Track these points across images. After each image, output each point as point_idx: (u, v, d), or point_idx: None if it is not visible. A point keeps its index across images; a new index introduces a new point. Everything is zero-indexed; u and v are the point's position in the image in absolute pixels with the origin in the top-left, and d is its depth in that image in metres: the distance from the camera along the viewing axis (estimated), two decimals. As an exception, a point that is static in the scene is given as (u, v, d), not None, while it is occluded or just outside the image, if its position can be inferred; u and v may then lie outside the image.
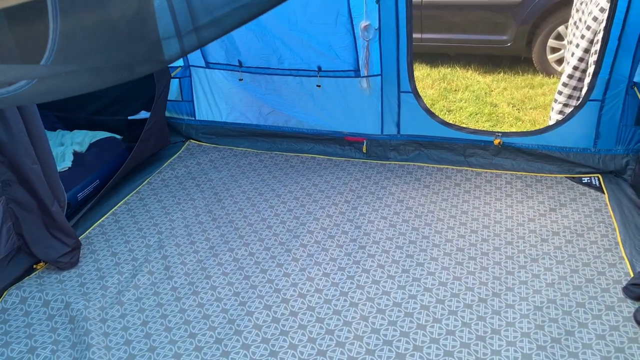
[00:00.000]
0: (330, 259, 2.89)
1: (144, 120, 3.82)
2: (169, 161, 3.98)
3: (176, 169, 3.88)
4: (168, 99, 4.04)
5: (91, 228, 3.26)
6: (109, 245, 3.10)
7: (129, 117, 4.07)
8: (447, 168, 3.68)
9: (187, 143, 4.23)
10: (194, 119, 4.22)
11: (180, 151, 4.12)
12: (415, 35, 5.79)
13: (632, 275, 2.61)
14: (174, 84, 4.08)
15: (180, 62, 4.03)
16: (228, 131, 4.16)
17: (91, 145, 3.80)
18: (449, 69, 6.02)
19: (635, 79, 3.18)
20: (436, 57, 6.20)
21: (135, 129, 4.01)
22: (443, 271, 2.75)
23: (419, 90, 5.39)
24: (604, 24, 3.18)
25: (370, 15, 3.41)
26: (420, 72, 5.98)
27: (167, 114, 4.14)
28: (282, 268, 2.84)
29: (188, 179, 3.76)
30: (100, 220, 3.33)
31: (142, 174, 3.84)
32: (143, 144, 3.73)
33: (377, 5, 3.35)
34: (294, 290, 2.68)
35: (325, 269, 2.81)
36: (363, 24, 3.43)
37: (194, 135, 4.24)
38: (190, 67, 4.05)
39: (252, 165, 3.89)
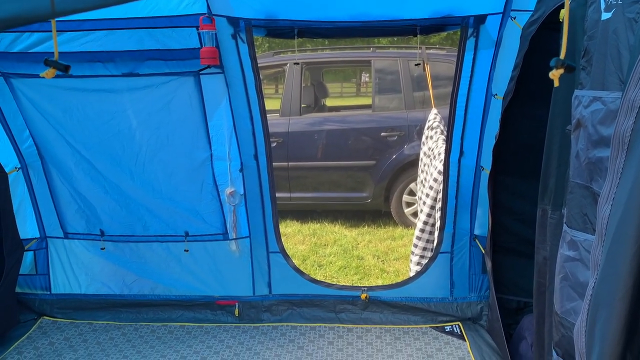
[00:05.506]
0: None
1: (-13, 300, 3.44)
2: (16, 344, 3.54)
3: (24, 352, 3.45)
4: (20, 273, 3.72)
5: None
6: None
7: (-29, 296, 3.66)
8: (320, 326, 3.68)
9: (39, 320, 3.82)
10: (49, 293, 3.88)
11: (31, 331, 3.70)
12: (284, 195, 6.09)
13: None
14: (28, 256, 3.79)
15: (36, 234, 3.80)
16: (87, 304, 3.86)
17: None
18: (318, 224, 6.31)
19: (475, 232, 3.57)
20: (305, 213, 6.51)
21: (-24, 310, 3.59)
22: None
23: (291, 247, 5.58)
24: (442, 185, 3.60)
25: (235, 183, 3.55)
26: (292, 228, 6.19)
27: (17, 289, 3.78)
28: None
29: (37, 363, 3.35)
30: None
31: (-19, 362, 3.36)
32: (-16, 327, 3.32)
33: (240, 174, 3.52)
34: None
35: None
36: (228, 190, 3.56)
37: (48, 311, 3.87)
38: (47, 239, 3.83)
39: (114, 340, 3.58)
